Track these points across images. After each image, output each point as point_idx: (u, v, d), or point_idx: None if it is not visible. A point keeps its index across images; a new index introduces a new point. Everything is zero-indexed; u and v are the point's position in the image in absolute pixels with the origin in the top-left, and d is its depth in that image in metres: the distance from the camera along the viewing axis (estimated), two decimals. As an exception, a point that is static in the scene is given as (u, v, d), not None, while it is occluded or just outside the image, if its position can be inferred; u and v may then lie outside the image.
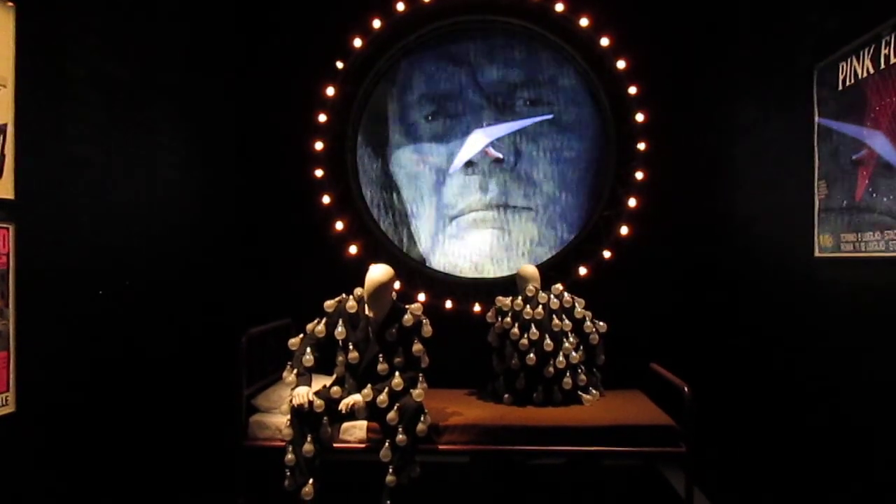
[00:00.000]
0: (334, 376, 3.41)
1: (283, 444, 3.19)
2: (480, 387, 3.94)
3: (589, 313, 3.81)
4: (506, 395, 3.69)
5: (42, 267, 2.47)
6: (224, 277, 4.15)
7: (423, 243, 4.63)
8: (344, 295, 3.48)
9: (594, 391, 3.74)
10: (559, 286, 3.86)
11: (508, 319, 3.72)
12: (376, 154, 4.64)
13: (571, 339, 3.71)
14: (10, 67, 2.30)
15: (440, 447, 3.30)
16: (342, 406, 3.25)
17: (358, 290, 3.46)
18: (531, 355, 3.61)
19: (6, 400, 2.27)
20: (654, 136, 4.39)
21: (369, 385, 3.30)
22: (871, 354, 2.38)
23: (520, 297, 3.79)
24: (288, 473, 3.13)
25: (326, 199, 4.50)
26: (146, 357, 3.21)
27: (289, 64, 4.57)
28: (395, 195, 4.64)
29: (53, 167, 2.57)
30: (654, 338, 4.24)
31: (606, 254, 4.40)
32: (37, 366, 2.41)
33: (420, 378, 3.31)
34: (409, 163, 4.62)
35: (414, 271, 4.52)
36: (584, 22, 4.38)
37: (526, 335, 3.64)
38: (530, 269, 3.97)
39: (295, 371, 3.30)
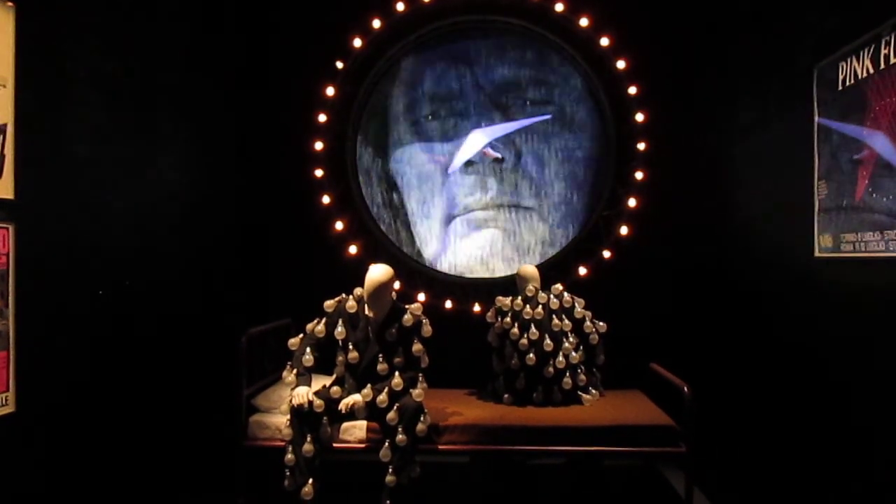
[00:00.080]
0: (334, 376, 3.41)
1: (283, 444, 3.19)
2: (480, 387, 3.94)
3: (589, 313, 3.81)
4: (506, 395, 3.69)
5: (42, 267, 2.47)
6: (224, 277, 4.15)
7: (423, 243, 4.63)
8: (344, 295, 3.48)
9: (594, 391, 3.74)
10: (559, 286, 3.86)
11: (508, 319, 3.72)
12: (376, 153, 4.64)
13: (571, 339, 3.71)
14: (9, 67, 2.30)
15: (440, 447, 3.30)
16: (342, 406, 3.25)
17: (358, 290, 3.46)
18: (531, 355, 3.62)
19: (6, 400, 2.27)
20: (654, 136, 4.39)
21: (369, 385, 3.30)
22: (871, 354, 2.38)
23: (520, 297, 3.80)
24: (288, 473, 3.13)
25: (326, 199, 4.50)
26: (146, 357, 3.20)
27: (289, 64, 4.57)
28: (395, 195, 4.64)
29: (53, 167, 2.57)
30: (654, 338, 4.23)
31: (606, 254, 4.40)
32: (37, 366, 2.42)
33: (420, 378, 3.31)
34: (408, 162, 4.62)
35: (414, 271, 4.52)
36: (584, 22, 4.38)
37: (526, 335, 3.65)
38: (530, 269, 3.97)
39: (295, 371, 3.30)
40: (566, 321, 3.72)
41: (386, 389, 3.24)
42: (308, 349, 3.34)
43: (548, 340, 3.63)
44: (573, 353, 3.69)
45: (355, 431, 3.31)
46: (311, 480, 3.09)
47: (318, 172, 4.50)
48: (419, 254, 4.62)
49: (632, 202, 4.39)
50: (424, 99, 4.61)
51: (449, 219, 4.60)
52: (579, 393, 3.67)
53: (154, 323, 3.29)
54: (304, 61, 4.55)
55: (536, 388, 3.64)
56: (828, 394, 2.68)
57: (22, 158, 2.34)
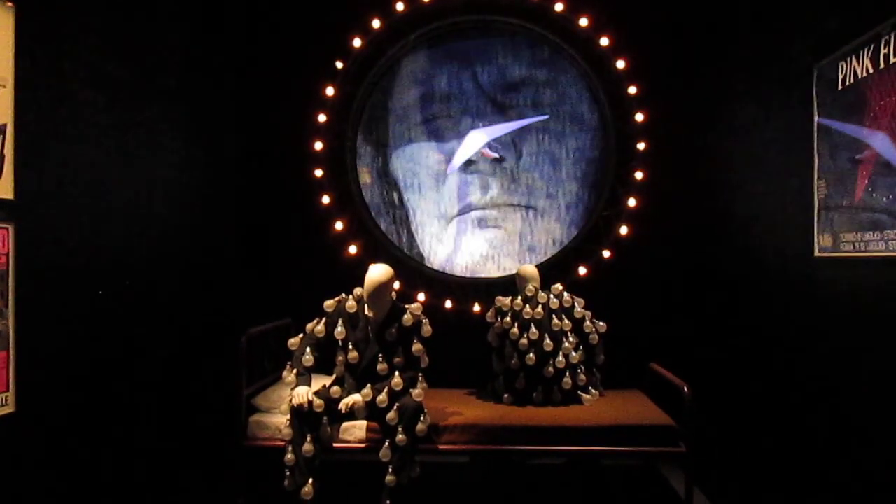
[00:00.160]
0: (334, 376, 3.41)
1: (283, 443, 3.19)
2: (480, 387, 3.94)
3: (588, 313, 3.81)
4: (505, 395, 3.69)
5: (42, 267, 2.47)
6: (224, 277, 4.15)
7: (423, 242, 4.63)
8: (344, 295, 3.48)
9: (594, 391, 3.74)
10: (559, 286, 3.86)
11: (508, 319, 3.72)
12: (376, 153, 4.65)
13: (571, 339, 3.71)
14: (9, 67, 2.30)
15: (440, 447, 3.30)
16: (342, 406, 3.25)
17: (357, 290, 3.46)
18: (531, 355, 3.62)
19: (6, 400, 2.27)
20: (654, 135, 4.39)
21: (369, 385, 3.30)
22: (871, 354, 2.38)
23: (519, 297, 3.80)
24: (288, 473, 3.13)
25: (326, 199, 4.50)
26: (146, 357, 3.21)
27: (289, 64, 4.57)
28: (395, 195, 4.64)
29: (53, 167, 2.57)
30: (654, 338, 4.23)
31: (606, 254, 4.40)
32: (37, 366, 2.42)
33: (420, 378, 3.31)
34: (408, 162, 4.62)
35: (414, 271, 4.52)
36: (583, 22, 4.38)
37: (525, 335, 3.65)
38: (530, 269, 3.97)
39: (294, 371, 3.30)
40: (566, 321, 3.72)
41: (386, 389, 3.25)
42: (308, 349, 3.34)
43: (547, 340, 3.63)
44: (573, 353, 3.69)
45: (355, 431, 3.32)
46: (311, 480, 3.09)
47: (318, 172, 4.50)
48: (419, 254, 4.62)
49: (632, 202, 4.39)
50: (424, 99, 4.61)
51: (449, 218, 4.60)
52: (579, 393, 3.67)
53: (154, 323, 3.29)
54: (304, 61, 4.55)
55: (536, 388, 3.64)
56: (827, 393, 2.68)
57: (22, 158, 2.34)
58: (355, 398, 3.28)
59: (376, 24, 4.46)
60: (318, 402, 3.19)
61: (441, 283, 4.52)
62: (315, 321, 3.43)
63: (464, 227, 4.59)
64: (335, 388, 3.32)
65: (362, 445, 3.29)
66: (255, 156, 4.52)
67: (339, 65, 4.47)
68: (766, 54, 3.32)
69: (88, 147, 2.80)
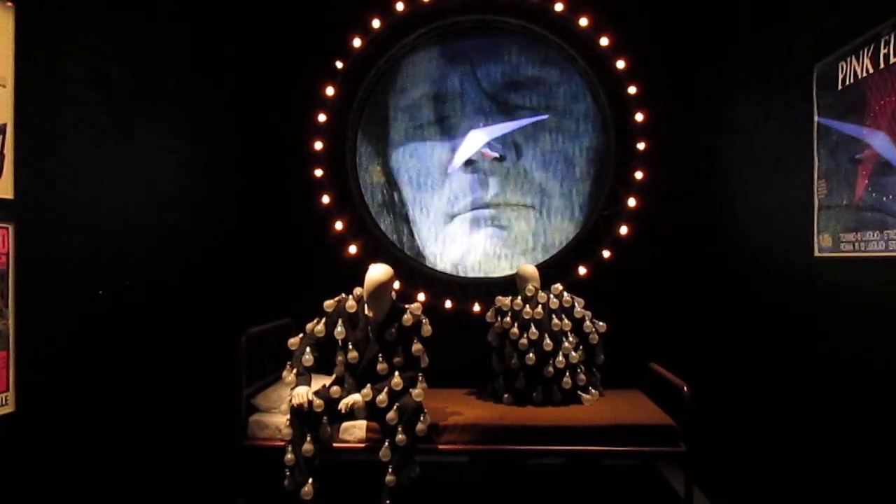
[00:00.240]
0: (334, 376, 3.42)
1: (283, 443, 3.19)
2: (480, 386, 3.94)
3: (588, 313, 3.81)
4: (505, 395, 3.69)
5: (42, 267, 2.47)
6: (224, 277, 4.15)
7: (424, 242, 4.63)
8: (343, 295, 3.48)
9: (594, 391, 3.74)
10: (559, 286, 3.86)
11: (508, 319, 3.72)
12: (376, 153, 4.65)
13: (571, 339, 3.71)
14: (9, 67, 2.30)
15: (440, 447, 3.31)
16: (342, 406, 3.25)
17: (357, 290, 3.46)
18: (531, 355, 3.62)
19: (6, 400, 2.28)
20: (654, 135, 4.39)
21: (369, 385, 3.30)
22: (871, 354, 2.38)
23: (519, 297, 3.80)
24: (288, 473, 3.13)
25: (326, 199, 4.50)
26: (146, 357, 3.21)
27: (289, 64, 4.58)
28: (395, 194, 4.64)
29: (53, 167, 2.57)
30: (654, 338, 4.23)
31: (606, 253, 4.40)
32: (37, 366, 2.42)
33: (419, 378, 3.31)
34: (408, 161, 4.62)
35: (414, 271, 4.52)
36: (583, 22, 4.38)
37: (525, 335, 3.65)
38: (530, 269, 3.97)
39: (294, 371, 3.30)
40: (566, 321, 3.72)
41: (386, 389, 3.25)
42: (308, 349, 3.34)
43: (547, 340, 3.63)
44: (573, 353, 3.69)
45: (355, 431, 3.32)
46: (310, 480, 3.10)
47: (318, 172, 4.50)
48: (419, 253, 4.62)
49: (632, 202, 4.39)
50: (424, 98, 4.61)
51: (449, 217, 4.61)
52: (579, 393, 3.67)
53: (154, 323, 3.29)
54: (304, 61, 4.55)
55: (536, 388, 3.64)
56: (827, 393, 2.68)
57: (22, 158, 2.34)
58: (355, 398, 3.28)
59: (376, 24, 4.46)
60: (318, 401, 3.19)
61: (441, 282, 4.52)
62: (315, 321, 3.44)
63: (464, 226, 4.59)
64: (335, 388, 3.32)
65: (362, 445, 3.29)
66: (255, 156, 4.52)
67: (339, 65, 4.47)
68: (766, 54, 3.32)
69: (88, 147, 2.80)
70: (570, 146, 4.55)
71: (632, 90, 4.38)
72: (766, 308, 3.29)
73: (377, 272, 3.40)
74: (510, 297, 3.81)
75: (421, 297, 4.39)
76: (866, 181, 2.38)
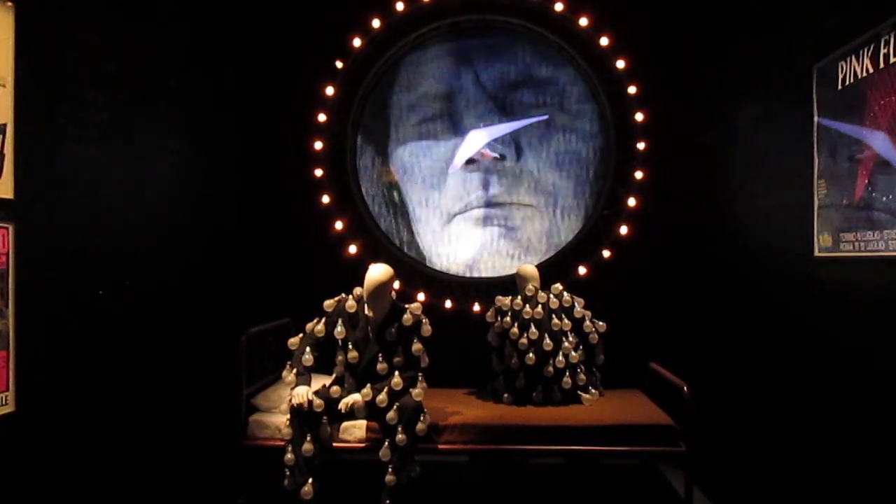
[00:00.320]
0: (334, 376, 3.42)
1: (283, 443, 3.19)
2: (480, 386, 3.94)
3: (588, 313, 3.81)
4: (505, 395, 3.69)
5: (42, 267, 2.47)
6: (224, 277, 4.15)
7: (424, 242, 4.63)
8: (343, 294, 3.48)
9: (594, 391, 3.74)
10: (559, 286, 3.86)
11: (508, 319, 3.72)
12: (377, 152, 4.65)
13: (571, 339, 3.71)
14: (9, 67, 2.30)
15: (440, 447, 3.30)
16: (342, 405, 3.25)
17: (357, 290, 3.46)
18: (531, 355, 3.62)
19: (6, 399, 2.28)
20: (654, 135, 4.39)
21: (369, 384, 3.30)
22: (871, 353, 2.38)
23: (519, 297, 3.80)
24: (287, 473, 3.13)
25: (326, 199, 4.50)
26: (146, 357, 3.21)
27: (289, 64, 4.57)
28: (395, 194, 4.64)
29: (53, 167, 2.57)
30: (654, 338, 4.23)
31: (606, 253, 4.40)
32: (37, 366, 2.42)
33: (419, 377, 3.31)
34: (409, 161, 4.62)
35: (414, 271, 4.52)
36: (583, 21, 4.38)
37: (525, 335, 3.65)
38: (529, 269, 3.97)
39: (294, 370, 3.30)
40: (566, 321, 3.72)
41: (385, 389, 3.25)
42: (308, 349, 3.34)
43: (547, 340, 3.63)
44: (573, 353, 3.69)
45: (355, 431, 3.32)
46: (310, 480, 3.10)
47: (318, 172, 4.50)
48: (419, 253, 4.62)
49: (632, 202, 4.39)
50: (425, 98, 4.61)
51: (450, 217, 4.61)
52: (579, 392, 3.67)
53: (154, 322, 3.29)
54: (304, 61, 4.55)
55: (536, 388, 3.64)
56: (827, 393, 2.68)
57: (22, 158, 2.34)
58: (355, 398, 3.28)
59: (376, 23, 4.46)
60: (317, 401, 3.19)
61: (441, 282, 4.52)
62: (315, 321, 3.44)
63: (465, 225, 4.59)
64: (335, 388, 3.32)
65: (362, 445, 3.29)
66: (254, 155, 4.52)
67: (339, 65, 4.47)
68: (766, 54, 3.32)
69: (88, 147, 2.80)
70: (571, 145, 4.55)
71: (632, 90, 4.38)
72: (765, 308, 3.29)
73: (377, 272, 3.40)
74: (510, 297, 3.81)
75: (421, 297, 4.39)
76: (866, 181, 2.38)
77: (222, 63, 4.22)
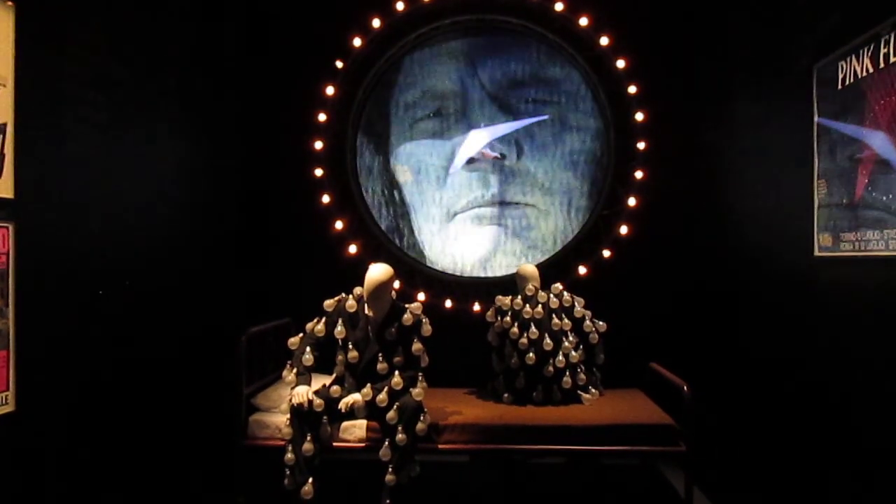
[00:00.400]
0: (334, 375, 3.42)
1: (283, 443, 3.19)
2: (480, 386, 3.94)
3: (588, 312, 3.81)
4: (505, 395, 3.69)
5: (42, 267, 2.47)
6: (224, 277, 4.15)
7: (424, 241, 4.63)
8: (343, 294, 3.48)
9: (594, 390, 3.74)
10: (559, 285, 3.86)
11: (508, 318, 3.72)
12: (377, 152, 4.65)
13: (571, 339, 3.71)
14: (9, 67, 2.30)
15: (440, 446, 3.31)
16: (342, 405, 3.25)
17: (357, 290, 3.46)
18: (531, 354, 3.62)
19: (6, 399, 2.28)
20: (654, 135, 4.39)
21: (369, 384, 3.30)
22: (871, 353, 2.38)
23: (519, 297, 3.80)
24: (288, 472, 3.13)
25: (326, 199, 4.50)
26: (146, 357, 3.21)
27: (289, 64, 4.57)
28: (395, 193, 4.64)
29: (53, 167, 2.57)
30: (654, 337, 4.23)
31: (606, 253, 4.40)
32: (37, 366, 2.42)
33: (420, 377, 3.31)
34: (409, 161, 4.62)
35: (414, 270, 4.52)
36: (583, 21, 4.38)
37: (525, 334, 3.65)
38: (530, 268, 3.97)
39: (294, 370, 3.30)
40: (566, 320, 3.72)
41: (386, 389, 3.25)
42: (308, 348, 3.34)
43: (547, 340, 3.63)
44: (573, 353, 3.69)
45: (355, 430, 3.32)
46: (310, 480, 3.10)
47: (318, 172, 4.50)
48: (420, 253, 4.62)
49: (632, 201, 4.39)
50: (425, 98, 4.61)
51: (450, 216, 4.61)
52: (579, 392, 3.67)
53: (154, 322, 3.29)
54: (304, 61, 4.55)
55: (536, 388, 3.64)
56: (827, 393, 2.68)
57: (22, 158, 2.34)
58: (355, 397, 3.28)
59: (376, 23, 4.46)
60: (317, 401, 3.20)
61: (441, 282, 4.52)
62: (315, 321, 3.44)
63: (465, 225, 4.59)
64: (335, 388, 3.32)
65: (362, 445, 3.30)
66: (255, 155, 4.52)
67: (339, 65, 4.47)
68: (766, 53, 3.32)
69: (88, 147, 2.80)
70: (571, 145, 4.54)
71: (632, 89, 4.38)
72: (766, 307, 3.30)
73: (377, 272, 3.40)
74: (510, 297, 3.81)
75: (421, 296, 4.39)
76: (866, 181, 2.38)
77: (223, 63, 4.22)
